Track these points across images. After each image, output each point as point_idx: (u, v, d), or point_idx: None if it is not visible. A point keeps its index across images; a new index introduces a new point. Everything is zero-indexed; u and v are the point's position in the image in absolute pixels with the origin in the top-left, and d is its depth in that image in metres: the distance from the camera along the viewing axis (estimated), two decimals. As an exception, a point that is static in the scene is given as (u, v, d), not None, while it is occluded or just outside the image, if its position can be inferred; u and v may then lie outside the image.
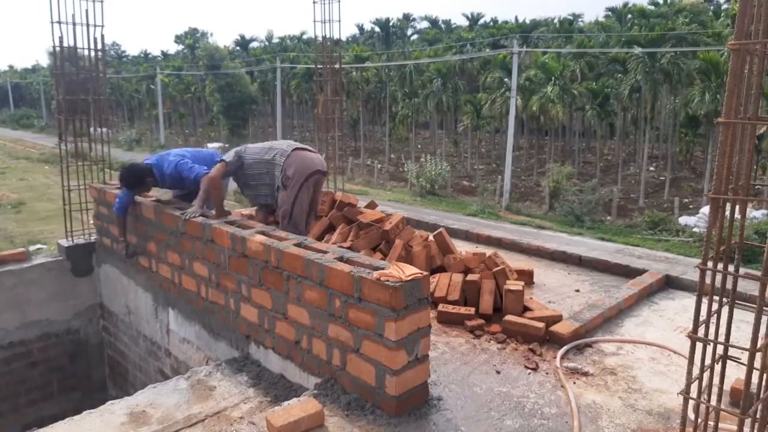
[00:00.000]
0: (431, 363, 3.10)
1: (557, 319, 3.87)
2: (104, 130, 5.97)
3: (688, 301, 4.48)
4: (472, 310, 4.01)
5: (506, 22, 46.20)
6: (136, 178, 4.65)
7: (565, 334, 3.67)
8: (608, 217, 23.47)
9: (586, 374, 3.34)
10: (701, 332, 1.88)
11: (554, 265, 5.39)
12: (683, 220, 21.25)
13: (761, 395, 1.86)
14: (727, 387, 2.87)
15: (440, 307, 4.07)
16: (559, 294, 4.63)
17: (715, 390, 2.03)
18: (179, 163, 4.64)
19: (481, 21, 49.46)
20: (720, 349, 1.92)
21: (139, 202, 4.76)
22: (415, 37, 51.88)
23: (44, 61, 79.53)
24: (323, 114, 6.68)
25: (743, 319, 3.56)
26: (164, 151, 4.95)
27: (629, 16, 35.66)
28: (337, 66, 6.52)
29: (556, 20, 42.62)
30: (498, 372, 3.35)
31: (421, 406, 2.93)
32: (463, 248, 5.32)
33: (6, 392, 5.42)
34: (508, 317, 3.84)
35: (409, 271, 2.84)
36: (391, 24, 49.81)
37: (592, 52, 31.76)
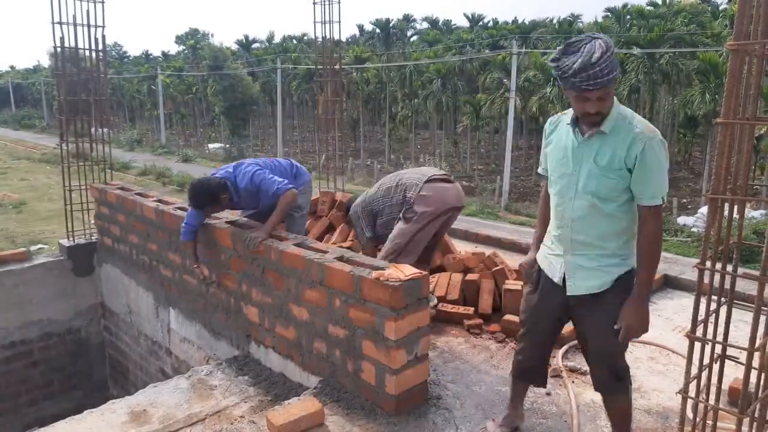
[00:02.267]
0: (431, 362, 3.11)
1: (557, 318, 3.88)
2: (105, 130, 5.99)
3: (687, 300, 4.49)
4: (471, 310, 4.03)
5: (506, 23, 46.26)
6: (209, 196, 3.80)
7: (564, 334, 3.66)
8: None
9: (585, 373, 3.35)
10: (700, 332, 1.89)
11: (554, 265, 5.39)
12: (681, 220, 21.24)
13: (759, 394, 1.88)
14: (725, 386, 2.89)
15: (439, 306, 4.08)
16: (559, 294, 4.63)
17: (713, 389, 2.04)
18: (256, 173, 3.84)
19: (481, 22, 49.51)
20: (718, 348, 1.93)
21: (140, 202, 4.77)
22: (415, 38, 51.92)
23: (46, 62, 79.58)
24: (324, 114, 6.70)
25: (741, 319, 3.57)
26: (236, 162, 4.12)
27: (628, 17, 35.70)
28: (337, 67, 6.53)
29: (555, 21, 42.65)
30: (497, 371, 3.37)
31: (420, 405, 2.94)
32: (462, 248, 5.33)
33: (7, 391, 5.44)
34: (507, 316, 3.85)
35: (408, 271, 2.85)
36: (391, 25, 49.85)
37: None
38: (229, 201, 3.90)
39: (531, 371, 2.66)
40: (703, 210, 19.92)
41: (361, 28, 58.31)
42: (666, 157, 2.18)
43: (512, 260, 5.10)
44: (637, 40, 28.61)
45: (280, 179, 3.81)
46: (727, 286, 1.88)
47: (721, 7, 35.86)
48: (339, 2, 6.22)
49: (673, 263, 5.32)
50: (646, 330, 2.30)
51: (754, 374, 1.85)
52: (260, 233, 3.54)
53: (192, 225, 3.92)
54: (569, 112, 2.33)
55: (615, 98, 2.21)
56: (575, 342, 3.69)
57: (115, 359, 5.94)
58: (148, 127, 55.97)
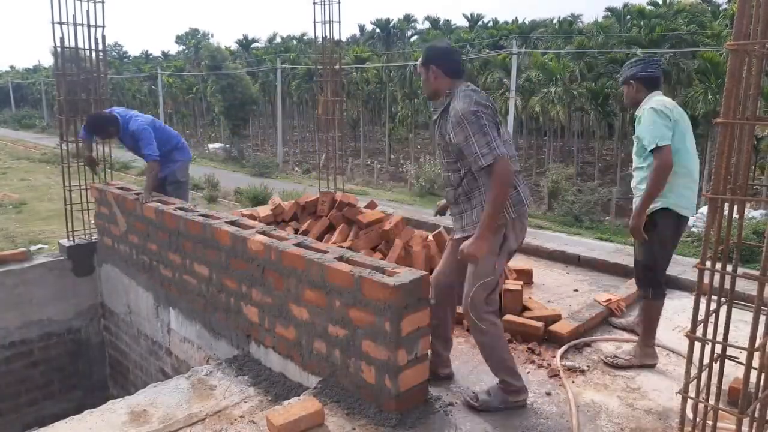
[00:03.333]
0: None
1: (556, 318, 3.89)
2: (105, 130, 5.97)
3: (687, 300, 4.49)
4: (472, 310, 4.02)
5: (506, 23, 46.25)
6: (99, 126, 5.09)
7: (564, 334, 3.68)
8: (607, 217, 23.48)
9: (584, 373, 3.35)
10: (700, 331, 1.89)
11: (553, 265, 5.40)
12: (682, 220, 21.22)
13: (759, 394, 1.88)
14: (725, 386, 2.89)
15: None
16: (558, 293, 4.65)
17: (713, 389, 2.04)
18: (143, 129, 5.03)
19: (481, 22, 49.49)
20: (718, 348, 1.93)
21: (139, 202, 4.77)
22: (415, 38, 51.94)
23: (46, 62, 79.66)
24: (323, 114, 6.69)
25: (741, 319, 3.57)
26: (135, 112, 5.36)
27: (628, 16, 35.69)
28: (337, 67, 6.53)
29: (555, 21, 42.66)
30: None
31: (420, 404, 2.94)
32: (462, 248, 5.32)
33: (7, 391, 5.43)
34: (507, 317, 3.85)
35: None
36: (391, 24, 49.86)
37: (591, 53, 31.77)
38: (115, 133, 5.16)
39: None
40: (703, 210, 19.92)
41: (361, 28, 58.39)
42: (650, 119, 3.17)
43: (512, 260, 5.10)
44: (639, 39, 28.60)
45: (153, 148, 5.01)
46: (727, 286, 1.88)
47: (721, 8, 35.85)
48: (339, 2, 6.22)
49: (673, 263, 5.29)
50: (634, 228, 3.25)
51: (754, 374, 1.85)
52: (146, 194, 4.73)
53: (83, 136, 5.32)
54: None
55: (649, 92, 3.36)
56: (575, 342, 3.70)
57: (115, 359, 5.94)
58: (148, 127, 55.87)
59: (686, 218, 3.33)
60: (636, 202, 3.33)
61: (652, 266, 3.38)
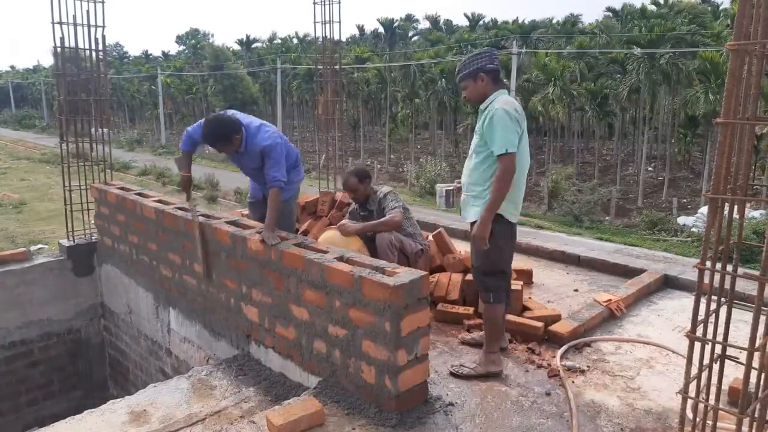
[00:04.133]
0: (430, 362, 3.11)
1: (556, 318, 3.89)
2: (105, 130, 5.98)
3: (687, 300, 4.49)
4: (471, 310, 4.03)
5: (506, 23, 46.31)
6: (221, 134, 3.80)
7: (564, 334, 3.68)
8: (607, 217, 23.49)
9: (584, 373, 3.35)
10: (700, 331, 1.89)
11: (553, 265, 5.40)
12: (681, 220, 21.26)
13: (759, 394, 1.87)
14: (725, 386, 2.88)
15: (439, 306, 4.08)
16: (558, 294, 4.64)
17: (713, 389, 2.04)
18: (275, 146, 3.82)
19: (481, 21, 49.57)
20: (718, 348, 1.93)
21: (140, 202, 4.77)
22: (416, 38, 52.05)
23: (46, 62, 79.71)
24: (323, 114, 6.69)
25: (741, 319, 3.57)
26: (260, 121, 4.08)
27: (628, 17, 35.73)
28: (337, 67, 6.53)
29: (555, 21, 42.75)
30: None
31: (420, 405, 2.94)
32: (462, 248, 5.32)
33: (7, 391, 5.43)
34: (507, 317, 3.85)
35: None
36: (395, 25, 49.95)
37: (591, 53, 31.78)
38: (237, 148, 3.89)
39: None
40: (703, 210, 19.93)
41: (361, 28, 58.42)
42: (503, 123, 3.03)
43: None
44: (638, 39, 28.62)
45: (283, 171, 3.82)
46: (727, 286, 1.88)
47: (721, 7, 35.87)
48: (339, 2, 6.23)
49: (673, 263, 5.31)
50: (481, 237, 3.11)
51: (754, 374, 1.85)
52: (269, 233, 3.47)
53: (193, 138, 4.01)
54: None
55: (496, 87, 3.21)
56: (575, 342, 3.70)
57: (115, 359, 5.94)
58: (149, 127, 55.95)
59: (515, 223, 3.33)
60: (470, 202, 3.26)
61: (491, 271, 3.29)
